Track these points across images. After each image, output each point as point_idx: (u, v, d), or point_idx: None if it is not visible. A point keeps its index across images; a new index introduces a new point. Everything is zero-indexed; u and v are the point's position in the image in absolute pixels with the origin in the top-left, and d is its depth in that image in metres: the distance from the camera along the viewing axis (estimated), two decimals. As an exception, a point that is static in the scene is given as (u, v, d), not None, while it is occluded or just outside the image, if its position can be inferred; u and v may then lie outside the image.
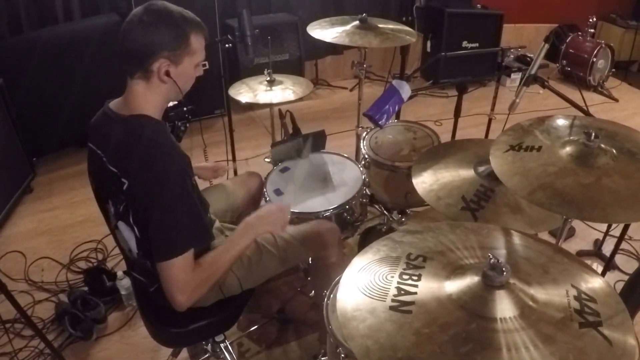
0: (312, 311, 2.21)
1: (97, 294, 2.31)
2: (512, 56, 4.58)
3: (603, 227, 2.57)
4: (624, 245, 2.51)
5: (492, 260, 0.93)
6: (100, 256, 2.61)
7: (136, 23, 1.24)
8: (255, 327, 2.13)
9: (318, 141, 2.09)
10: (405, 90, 2.02)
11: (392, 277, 0.97)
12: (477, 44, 4.36)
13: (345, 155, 2.17)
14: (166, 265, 1.27)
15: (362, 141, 2.28)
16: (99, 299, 2.28)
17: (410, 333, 0.85)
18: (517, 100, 1.76)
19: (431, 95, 4.33)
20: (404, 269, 0.99)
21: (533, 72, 1.77)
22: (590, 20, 4.50)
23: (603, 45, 4.37)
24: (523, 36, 5.01)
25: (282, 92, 2.26)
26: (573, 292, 0.95)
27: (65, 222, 2.86)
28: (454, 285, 0.95)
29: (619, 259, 2.47)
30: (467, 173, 1.61)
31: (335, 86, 4.55)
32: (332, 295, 1.47)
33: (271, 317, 2.18)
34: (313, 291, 2.25)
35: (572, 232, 2.71)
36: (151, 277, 1.43)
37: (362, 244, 2.05)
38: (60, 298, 2.34)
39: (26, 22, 3.24)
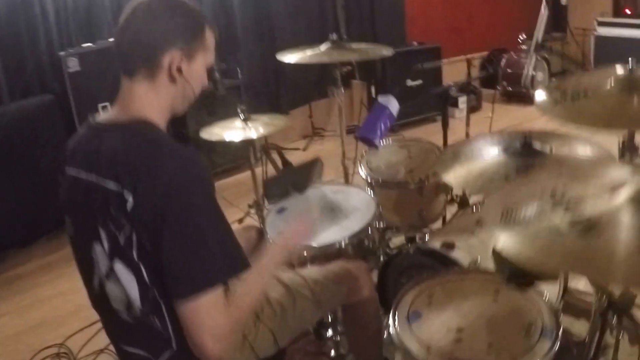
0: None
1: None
2: (454, 88, 4.67)
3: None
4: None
5: None
6: (66, 361, 2.17)
7: (142, 12, 1.06)
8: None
9: (315, 172, 1.88)
10: (393, 104, 1.90)
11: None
12: (420, 81, 4.41)
13: (343, 183, 1.97)
14: (193, 305, 0.97)
15: (359, 168, 2.07)
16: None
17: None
18: (531, 73, 1.74)
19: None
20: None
21: (540, 40, 1.76)
22: (520, 37, 4.66)
23: (537, 58, 4.49)
24: (459, 69, 5.19)
25: (260, 126, 2.06)
26: None
27: (17, 329, 2.41)
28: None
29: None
30: (496, 157, 1.55)
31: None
32: (394, 323, 1.21)
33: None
34: (332, 350, 1.95)
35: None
36: (158, 343, 1.10)
37: (383, 275, 1.78)
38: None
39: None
